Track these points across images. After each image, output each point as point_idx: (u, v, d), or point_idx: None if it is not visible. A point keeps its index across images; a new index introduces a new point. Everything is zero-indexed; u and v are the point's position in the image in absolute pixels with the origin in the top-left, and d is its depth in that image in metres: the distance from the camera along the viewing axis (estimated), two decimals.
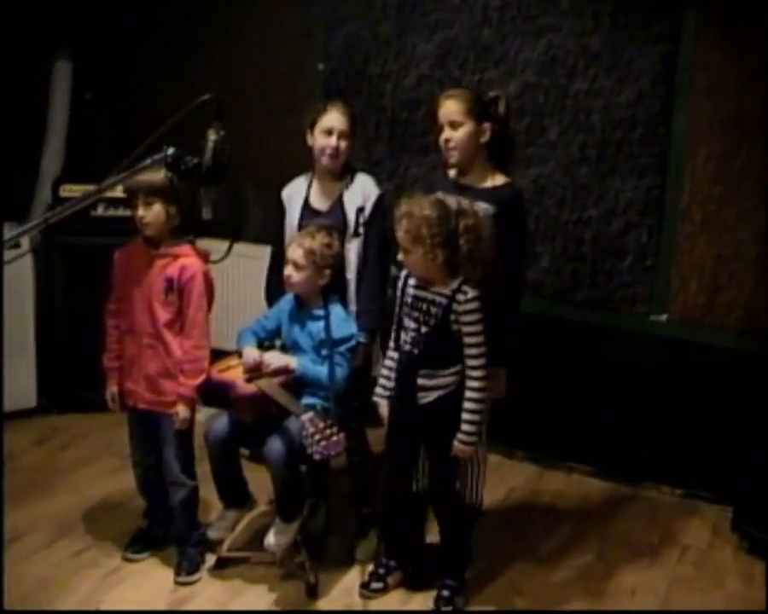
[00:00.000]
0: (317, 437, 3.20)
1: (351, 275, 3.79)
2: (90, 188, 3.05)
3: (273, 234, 3.96)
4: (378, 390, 3.61)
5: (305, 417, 3.27)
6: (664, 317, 4.44)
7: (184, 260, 3.57)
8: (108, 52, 5.33)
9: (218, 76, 5.29)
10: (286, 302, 3.78)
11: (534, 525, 4.26)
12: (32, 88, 5.20)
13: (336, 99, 3.84)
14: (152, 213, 3.50)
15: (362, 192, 3.80)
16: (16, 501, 4.14)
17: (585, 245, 4.54)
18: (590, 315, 4.60)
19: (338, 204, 3.80)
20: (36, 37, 5.20)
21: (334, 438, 3.22)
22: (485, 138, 3.52)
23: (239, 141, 5.11)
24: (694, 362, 4.42)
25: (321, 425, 3.24)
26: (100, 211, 4.96)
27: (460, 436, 3.37)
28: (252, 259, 4.36)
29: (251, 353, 3.62)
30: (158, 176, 3.25)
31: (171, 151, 2.60)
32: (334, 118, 3.74)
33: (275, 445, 3.46)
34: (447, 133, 3.52)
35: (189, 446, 3.70)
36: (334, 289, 3.72)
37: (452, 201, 3.36)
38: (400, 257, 3.37)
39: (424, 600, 3.63)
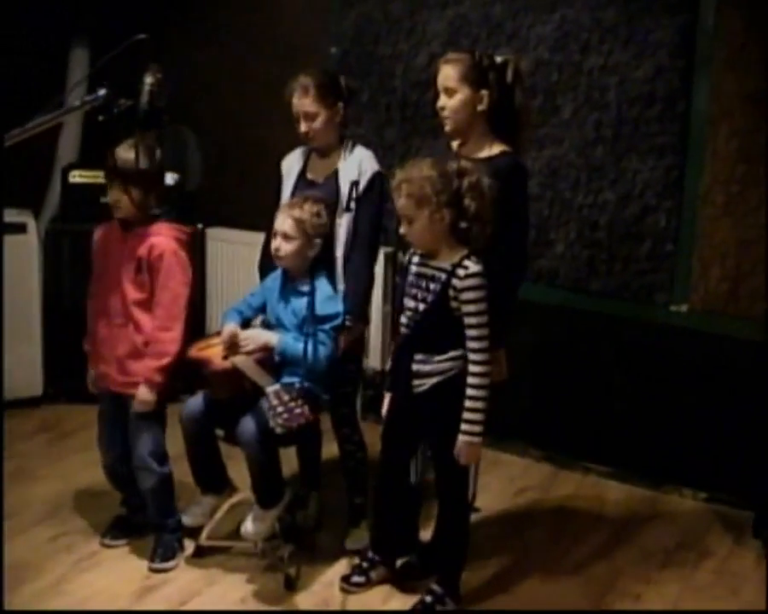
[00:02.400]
0: (279, 408, 3.07)
1: (339, 252, 3.59)
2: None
3: (270, 209, 3.79)
4: (387, 380, 3.43)
5: (270, 389, 3.15)
6: (684, 307, 4.18)
7: (154, 239, 3.45)
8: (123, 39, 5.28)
9: (229, 61, 5.23)
10: (272, 278, 3.63)
11: (542, 527, 4.03)
12: (49, 75, 5.16)
13: (300, 75, 3.59)
14: (116, 194, 3.40)
15: (358, 166, 3.60)
16: (5, 484, 4.02)
17: (601, 230, 4.30)
18: (607, 306, 4.36)
19: (333, 176, 3.61)
20: (53, 25, 5.15)
21: (297, 411, 3.08)
22: (482, 106, 3.28)
23: (251, 124, 5.15)
24: (717, 354, 4.16)
25: (285, 397, 3.11)
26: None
27: (464, 427, 3.12)
28: (251, 246, 4.21)
29: (228, 329, 3.47)
30: (127, 156, 3.15)
31: (102, 92, 2.47)
32: (294, 103, 3.57)
33: (247, 424, 3.31)
34: (441, 100, 3.32)
35: (159, 430, 3.56)
36: (322, 266, 3.55)
37: (452, 163, 3.15)
38: (403, 230, 3.15)
39: (405, 601, 3.41)
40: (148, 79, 2.56)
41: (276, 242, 3.48)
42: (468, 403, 3.12)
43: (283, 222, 3.47)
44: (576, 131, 4.28)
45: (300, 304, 3.48)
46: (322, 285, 3.51)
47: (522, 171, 3.39)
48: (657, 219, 4.17)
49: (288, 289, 3.54)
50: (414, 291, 3.19)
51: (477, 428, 3.13)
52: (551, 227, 4.40)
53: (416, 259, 3.25)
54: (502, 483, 4.38)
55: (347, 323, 3.52)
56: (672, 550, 3.88)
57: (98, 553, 3.64)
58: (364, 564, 3.52)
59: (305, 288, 3.49)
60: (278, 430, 3.08)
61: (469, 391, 3.11)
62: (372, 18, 4.73)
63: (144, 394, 3.43)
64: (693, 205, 4.10)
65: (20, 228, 4.86)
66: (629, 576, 3.65)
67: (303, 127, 3.58)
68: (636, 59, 4.11)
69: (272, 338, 3.45)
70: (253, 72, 5.14)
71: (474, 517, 3.69)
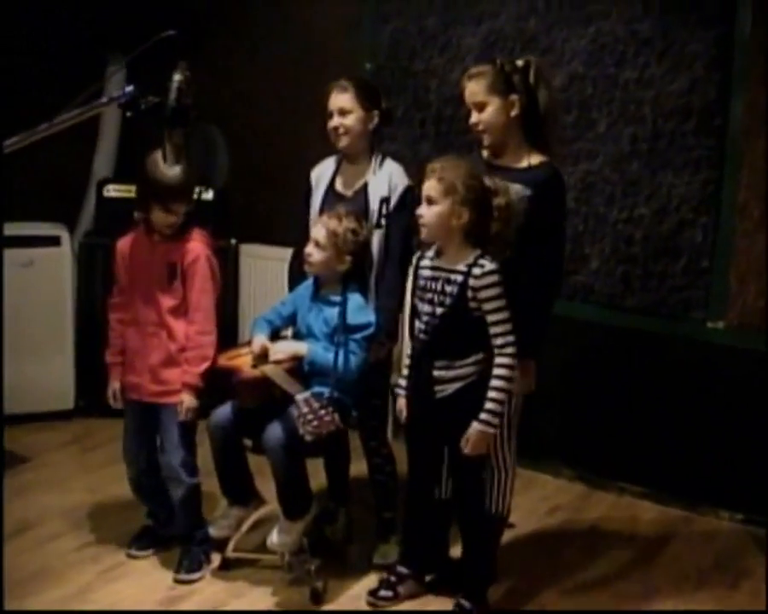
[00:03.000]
0: (309, 416, 3.05)
1: (372, 269, 3.59)
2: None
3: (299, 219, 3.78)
4: (399, 380, 3.38)
5: (300, 396, 3.12)
6: (721, 324, 4.10)
7: (187, 244, 3.46)
8: (159, 56, 5.32)
9: (267, 77, 5.24)
10: (304, 287, 3.61)
11: (573, 547, 3.94)
12: (86, 92, 5.20)
13: (340, 79, 3.62)
14: (160, 216, 3.40)
15: (388, 181, 3.58)
16: (32, 494, 4.13)
17: (636, 245, 4.24)
18: (642, 322, 4.29)
19: (362, 191, 3.59)
20: (90, 42, 5.19)
21: (327, 418, 3.06)
22: (515, 111, 3.25)
23: (285, 140, 5.15)
24: (754, 372, 4.06)
25: (315, 405, 3.10)
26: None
27: (482, 416, 3.07)
28: (284, 262, 4.19)
29: (259, 341, 3.46)
30: (169, 173, 3.18)
31: (128, 89, 2.46)
32: (331, 101, 3.57)
33: (274, 431, 3.27)
34: (474, 116, 3.29)
35: (191, 440, 3.54)
36: (355, 280, 3.52)
37: (486, 179, 3.15)
38: (421, 210, 3.13)
39: None
40: (177, 76, 2.56)
41: (309, 248, 3.47)
42: (490, 393, 3.08)
43: (318, 230, 3.46)
44: (611, 145, 4.23)
45: (332, 313, 3.44)
46: (354, 295, 3.48)
47: (561, 182, 3.37)
48: (693, 234, 4.10)
49: (320, 298, 3.52)
50: (429, 295, 3.16)
51: (494, 419, 3.10)
52: (586, 242, 4.35)
53: (426, 262, 3.23)
54: (534, 502, 4.30)
55: (379, 341, 3.50)
56: (707, 571, 3.78)
57: (124, 563, 3.62)
58: (392, 579, 3.45)
59: (337, 298, 3.46)
60: (308, 437, 3.06)
61: (494, 382, 3.08)
62: (407, 33, 4.72)
63: (190, 401, 3.43)
64: (729, 219, 4.02)
65: (54, 241, 4.90)
66: (663, 596, 3.57)
67: (335, 121, 3.57)
68: (671, 72, 4.06)
69: (302, 347, 3.43)
70: (290, 88, 5.15)
71: (506, 534, 3.62)
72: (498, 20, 4.43)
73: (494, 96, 3.25)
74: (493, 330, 3.07)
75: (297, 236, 3.75)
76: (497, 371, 3.07)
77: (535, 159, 3.28)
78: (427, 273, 3.21)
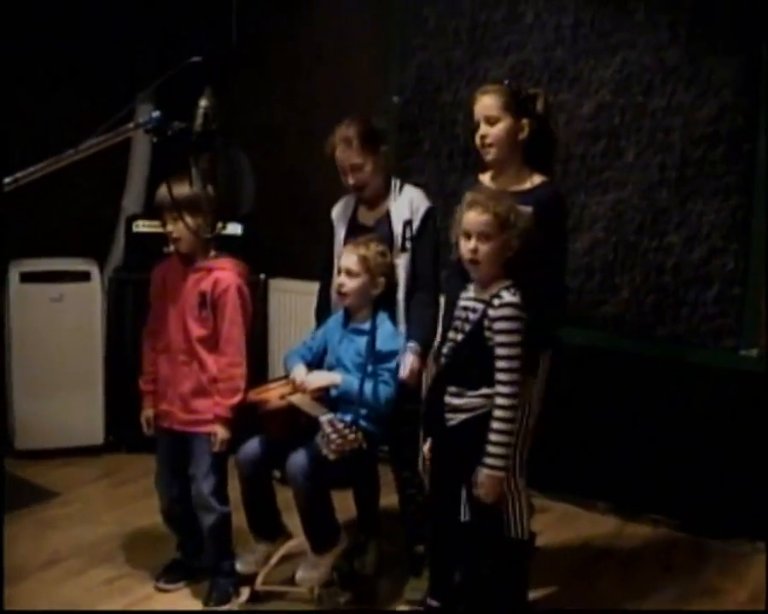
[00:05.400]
0: (332, 435, 3.03)
1: (400, 294, 3.58)
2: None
3: (323, 258, 3.81)
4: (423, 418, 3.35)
5: (324, 418, 3.11)
6: (754, 352, 4.03)
7: (218, 274, 3.46)
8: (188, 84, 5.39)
9: (295, 110, 5.27)
10: (334, 319, 3.63)
11: (607, 577, 3.86)
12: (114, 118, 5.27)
13: (338, 128, 3.62)
14: (171, 227, 3.41)
15: (409, 205, 3.60)
16: (62, 528, 4.14)
17: (667, 274, 4.20)
18: (674, 352, 4.23)
19: (385, 218, 3.61)
20: (121, 79, 5.25)
21: (351, 437, 3.05)
22: (523, 135, 3.32)
23: (313, 175, 5.17)
24: None
25: (339, 425, 3.08)
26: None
27: (487, 460, 3.02)
28: (312, 297, 4.19)
29: (300, 370, 3.48)
30: (183, 189, 3.14)
31: (155, 114, 2.48)
32: (340, 156, 3.58)
33: (297, 458, 3.27)
34: (483, 129, 3.32)
35: (222, 470, 3.52)
36: (385, 306, 3.52)
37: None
38: (470, 246, 3.03)
39: None
40: (203, 102, 2.58)
41: (340, 279, 3.48)
42: (492, 437, 3.01)
43: (348, 258, 3.47)
44: (640, 174, 4.21)
45: (363, 342, 3.44)
46: (384, 323, 3.48)
47: (563, 201, 3.45)
48: (724, 262, 4.06)
49: (350, 329, 3.52)
50: (457, 323, 3.13)
51: (500, 462, 3.03)
52: (616, 272, 4.31)
53: (464, 294, 3.18)
54: (567, 534, 4.24)
55: (411, 345, 3.45)
56: (744, 603, 3.69)
57: (152, 596, 3.60)
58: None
59: (367, 327, 3.45)
60: (331, 456, 3.04)
61: (494, 424, 3.01)
62: (433, 65, 4.73)
63: (223, 433, 3.42)
64: (760, 246, 3.97)
65: (84, 277, 4.93)
66: None
67: (352, 179, 3.59)
68: (699, 98, 4.03)
69: (336, 377, 3.43)
70: (320, 122, 5.14)
71: (539, 567, 3.59)
72: (525, 51, 4.44)
73: (507, 115, 3.31)
74: (498, 364, 3.00)
75: (321, 274, 3.81)
76: (496, 413, 3.01)
77: (537, 179, 3.34)
78: (463, 303, 3.17)
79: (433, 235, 3.60)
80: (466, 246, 3.06)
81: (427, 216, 3.60)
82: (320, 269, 3.82)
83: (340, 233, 3.72)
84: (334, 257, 3.70)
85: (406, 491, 3.69)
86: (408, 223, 3.57)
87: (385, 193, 3.65)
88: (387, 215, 3.61)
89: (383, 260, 3.46)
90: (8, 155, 4.20)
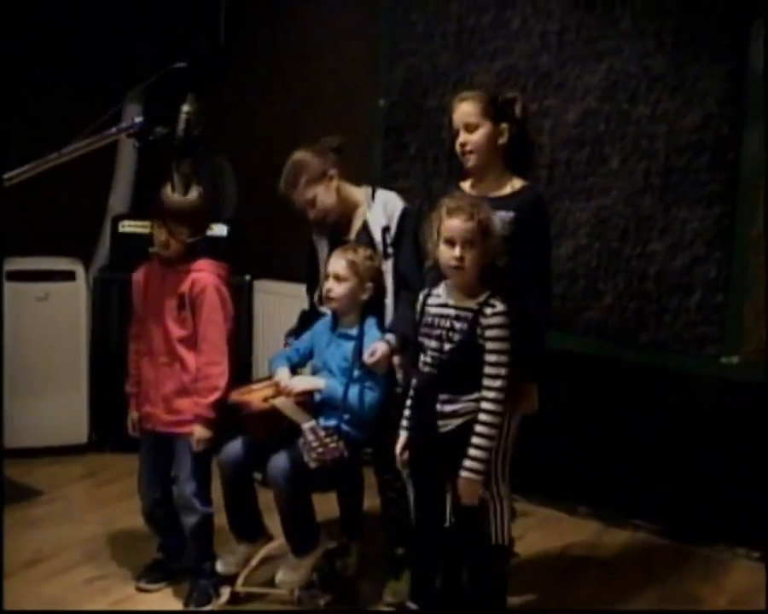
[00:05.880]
0: (314, 443, 3.06)
1: (388, 299, 3.59)
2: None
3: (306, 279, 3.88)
4: (402, 421, 3.32)
5: (306, 425, 3.12)
6: (736, 359, 4.05)
7: (195, 274, 3.47)
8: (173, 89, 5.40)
9: (280, 114, 5.28)
10: (322, 323, 3.63)
11: (588, 582, 3.88)
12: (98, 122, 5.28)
13: (287, 169, 3.66)
14: (157, 233, 3.44)
15: (384, 210, 3.62)
16: (45, 527, 4.16)
17: (649, 280, 4.21)
18: (656, 358, 4.25)
19: (363, 230, 3.63)
20: (108, 78, 5.24)
21: (332, 445, 3.07)
22: (503, 140, 3.33)
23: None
24: None
25: (321, 433, 3.11)
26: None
27: (467, 463, 3.04)
28: (298, 299, 4.20)
29: (284, 373, 3.49)
30: (174, 197, 3.19)
31: (137, 119, 2.49)
32: (296, 198, 3.62)
33: (278, 461, 3.27)
34: (463, 136, 3.33)
35: (204, 470, 3.53)
36: (373, 311, 3.53)
37: None
38: (455, 253, 3.03)
39: None
40: (185, 108, 2.59)
41: (329, 284, 3.48)
42: (474, 440, 3.04)
43: (336, 263, 3.47)
44: (624, 181, 4.22)
45: (350, 347, 3.45)
46: (372, 329, 3.48)
47: (545, 204, 3.47)
48: (707, 269, 4.08)
49: (338, 333, 3.53)
50: (437, 331, 3.12)
51: (479, 466, 3.05)
52: (599, 278, 4.33)
53: (433, 300, 3.18)
54: (548, 538, 4.26)
55: (387, 338, 3.43)
56: (722, 609, 3.72)
57: (133, 596, 3.60)
58: None
59: (354, 332, 3.47)
60: (312, 464, 3.06)
61: (478, 428, 3.04)
62: (420, 70, 4.75)
63: (201, 432, 3.43)
64: (743, 254, 3.99)
65: (69, 276, 4.95)
66: None
67: (313, 214, 3.61)
68: (684, 107, 4.05)
69: (320, 382, 3.44)
70: (305, 126, 5.17)
71: (519, 571, 3.61)
72: (511, 56, 4.45)
73: (486, 120, 3.32)
74: (486, 370, 3.04)
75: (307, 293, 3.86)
76: (480, 416, 3.04)
77: (518, 184, 3.35)
78: (434, 310, 3.17)
79: (410, 236, 3.60)
80: (449, 253, 3.06)
81: (403, 217, 3.62)
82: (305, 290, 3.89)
83: (323, 250, 3.74)
84: (321, 276, 3.70)
85: (387, 494, 3.69)
86: (386, 230, 3.59)
87: (353, 207, 3.67)
88: (365, 226, 3.62)
89: (371, 264, 3.48)
90: (9, 155, 4.21)
